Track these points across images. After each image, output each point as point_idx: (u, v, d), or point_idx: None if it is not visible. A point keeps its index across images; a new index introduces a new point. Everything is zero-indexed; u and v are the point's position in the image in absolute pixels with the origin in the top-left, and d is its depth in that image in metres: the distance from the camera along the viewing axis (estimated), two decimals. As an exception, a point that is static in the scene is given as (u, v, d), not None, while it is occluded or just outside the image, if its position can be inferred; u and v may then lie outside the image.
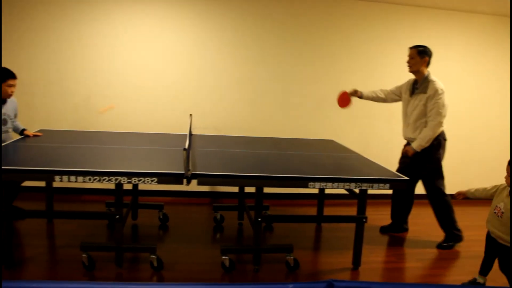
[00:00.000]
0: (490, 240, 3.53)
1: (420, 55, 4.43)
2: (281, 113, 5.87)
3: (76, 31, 5.36)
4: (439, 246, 4.57)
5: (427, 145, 4.44)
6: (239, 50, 5.67)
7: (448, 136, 4.62)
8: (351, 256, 3.95)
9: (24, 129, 4.54)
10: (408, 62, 4.52)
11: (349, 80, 5.92)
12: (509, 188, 3.36)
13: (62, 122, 5.46)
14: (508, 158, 6.16)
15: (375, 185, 3.50)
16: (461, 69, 6.11)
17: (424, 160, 4.52)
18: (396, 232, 4.94)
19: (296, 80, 5.84)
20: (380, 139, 6.08)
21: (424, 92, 4.41)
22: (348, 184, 3.47)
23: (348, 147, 4.97)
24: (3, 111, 4.25)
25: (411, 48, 4.51)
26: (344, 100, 4.92)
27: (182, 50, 5.57)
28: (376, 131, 6.09)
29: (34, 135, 4.55)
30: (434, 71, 4.54)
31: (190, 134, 4.80)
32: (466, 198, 3.80)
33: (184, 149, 3.24)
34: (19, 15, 5.24)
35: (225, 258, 3.73)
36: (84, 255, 3.60)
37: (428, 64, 4.49)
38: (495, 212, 3.44)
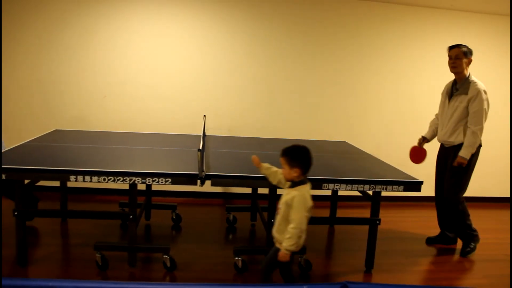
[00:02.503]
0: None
1: (465, 55, 4.22)
2: (294, 115, 5.86)
3: (91, 31, 5.40)
4: (463, 253, 4.41)
5: (474, 151, 4.21)
6: (254, 51, 5.68)
7: None
8: (363, 258, 3.92)
9: None
10: (454, 62, 4.26)
11: (365, 82, 5.90)
12: (289, 183, 2.96)
13: (76, 122, 5.50)
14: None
15: (389, 187, 3.48)
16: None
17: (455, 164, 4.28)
18: (445, 244, 4.69)
19: (309, 82, 5.82)
20: (392, 140, 6.05)
21: (465, 93, 4.19)
22: (362, 185, 3.46)
23: (361, 149, 4.95)
24: None
25: (453, 47, 4.29)
26: (418, 154, 4.65)
27: (196, 50, 5.58)
28: (388, 132, 6.06)
29: None
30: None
31: (204, 135, 4.81)
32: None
33: (199, 150, 3.25)
34: (35, 14, 5.29)
35: (238, 259, 3.73)
36: (97, 255, 3.62)
37: (469, 64, 4.28)
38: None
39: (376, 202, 3.77)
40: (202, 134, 4.38)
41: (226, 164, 3.76)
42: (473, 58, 4.27)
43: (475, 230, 4.49)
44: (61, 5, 5.31)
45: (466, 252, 4.42)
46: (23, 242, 3.56)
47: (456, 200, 4.35)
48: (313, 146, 4.91)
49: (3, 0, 5.15)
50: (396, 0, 5.71)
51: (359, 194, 4.25)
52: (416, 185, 3.54)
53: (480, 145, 4.29)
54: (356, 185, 3.46)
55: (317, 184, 3.42)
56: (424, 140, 4.67)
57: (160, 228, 4.72)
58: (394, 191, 3.50)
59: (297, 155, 2.93)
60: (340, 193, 5.01)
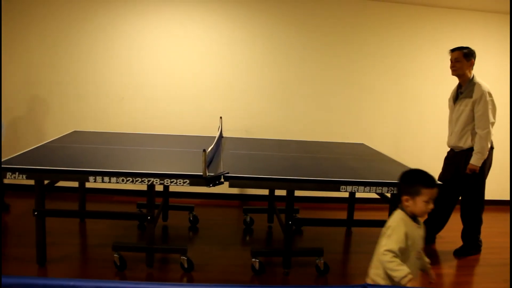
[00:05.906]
0: None
1: (466, 58, 4.16)
2: (311, 116, 5.84)
3: (109, 34, 5.45)
4: (458, 254, 4.43)
5: (485, 156, 4.14)
6: (271, 53, 5.67)
7: None
8: (382, 261, 3.89)
9: None
10: (454, 65, 4.23)
11: (383, 84, 5.86)
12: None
13: (95, 124, 5.55)
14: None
15: (408, 189, 3.43)
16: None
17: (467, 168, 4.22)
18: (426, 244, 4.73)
19: (326, 83, 5.80)
20: (411, 141, 5.99)
21: (470, 96, 4.13)
22: (380, 188, 3.42)
23: (379, 151, 4.91)
24: None
25: (454, 50, 4.25)
26: None
27: (213, 52, 5.60)
28: (407, 134, 6.01)
29: None
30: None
31: (221, 136, 4.81)
32: None
33: (204, 150, 3.22)
34: (53, 15, 5.35)
35: (255, 261, 3.73)
36: (116, 255, 3.64)
37: (473, 66, 4.23)
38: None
39: (394, 204, 3.72)
40: (218, 135, 4.38)
41: (243, 165, 3.76)
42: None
43: (480, 240, 4.47)
44: (79, 6, 5.36)
45: (462, 254, 4.43)
46: (42, 242, 3.60)
47: (480, 206, 4.34)
48: (331, 147, 4.92)
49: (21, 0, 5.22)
50: (416, 1, 5.66)
51: (376, 196, 4.22)
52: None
53: (492, 147, 4.24)
54: (375, 187, 3.42)
55: (334, 186, 3.40)
56: None
57: (177, 229, 4.73)
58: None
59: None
60: (357, 195, 4.99)
